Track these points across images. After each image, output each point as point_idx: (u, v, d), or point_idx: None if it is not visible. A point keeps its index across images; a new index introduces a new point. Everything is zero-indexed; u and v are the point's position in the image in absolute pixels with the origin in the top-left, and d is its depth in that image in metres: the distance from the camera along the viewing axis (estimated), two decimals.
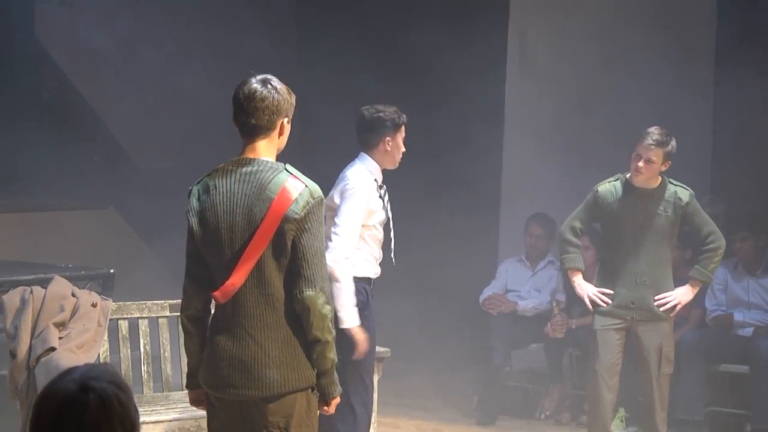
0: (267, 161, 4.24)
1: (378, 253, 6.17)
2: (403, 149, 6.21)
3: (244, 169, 4.22)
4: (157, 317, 6.54)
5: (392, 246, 6.28)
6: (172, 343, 6.55)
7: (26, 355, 5.98)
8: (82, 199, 9.91)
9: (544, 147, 9.52)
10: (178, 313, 6.43)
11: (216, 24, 10.75)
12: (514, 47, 9.67)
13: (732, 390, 8.08)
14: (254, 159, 4.24)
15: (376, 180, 6.12)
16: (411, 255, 9.95)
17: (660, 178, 6.86)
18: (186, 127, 10.26)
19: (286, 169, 4.22)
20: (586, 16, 9.55)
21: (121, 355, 6.40)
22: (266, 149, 4.27)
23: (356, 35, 10.62)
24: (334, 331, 4.25)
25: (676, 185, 6.86)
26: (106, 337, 6.29)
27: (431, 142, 10.40)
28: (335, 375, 4.31)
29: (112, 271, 6.87)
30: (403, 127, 6.18)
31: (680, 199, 6.80)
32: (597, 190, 6.95)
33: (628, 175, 6.86)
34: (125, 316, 6.45)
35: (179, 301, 6.52)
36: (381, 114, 6.13)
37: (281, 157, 4.37)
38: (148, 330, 6.50)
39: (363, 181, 6.02)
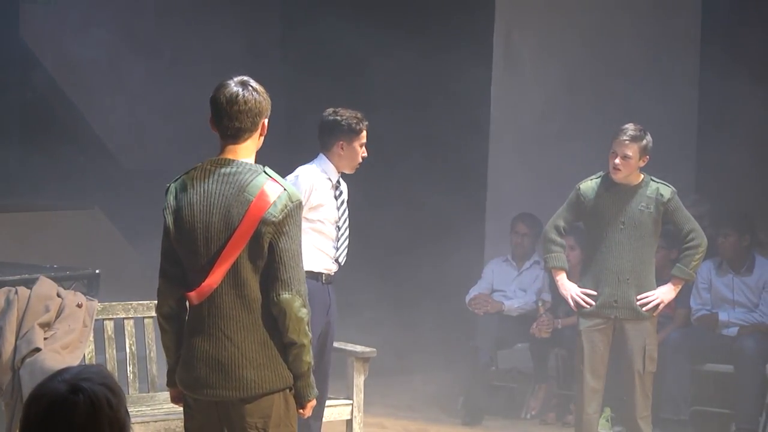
0: (246, 163, 4.26)
1: (329, 249, 6.29)
2: (363, 155, 6.32)
3: (222, 170, 4.23)
4: (143, 318, 6.53)
5: (340, 246, 6.32)
6: (157, 343, 6.51)
7: (11, 356, 5.96)
8: (67, 200, 9.88)
9: (530, 147, 9.53)
10: None
11: (200, 26, 10.73)
12: (499, 46, 9.68)
13: (717, 389, 8.10)
14: (233, 160, 4.25)
15: (330, 179, 6.31)
16: (397, 255, 9.97)
17: (641, 175, 6.88)
18: (171, 127, 10.24)
19: (265, 172, 4.24)
20: (571, 16, 9.56)
21: (107, 355, 6.39)
22: (247, 150, 4.29)
23: (339, 33, 10.61)
24: (310, 334, 4.27)
25: (657, 182, 6.88)
26: (91, 338, 6.28)
27: (415, 142, 10.40)
28: (311, 378, 4.33)
29: (97, 271, 6.85)
30: (362, 134, 6.29)
31: (662, 195, 6.83)
32: (579, 188, 6.98)
33: (609, 173, 6.89)
34: (111, 316, 6.44)
35: None
36: (338, 118, 6.31)
37: (264, 153, 4.38)
38: (133, 330, 6.50)
39: (307, 175, 6.24)
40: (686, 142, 9.52)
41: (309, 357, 4.27)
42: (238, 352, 4.20)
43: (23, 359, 5.94)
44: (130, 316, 6.50)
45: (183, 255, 4.28)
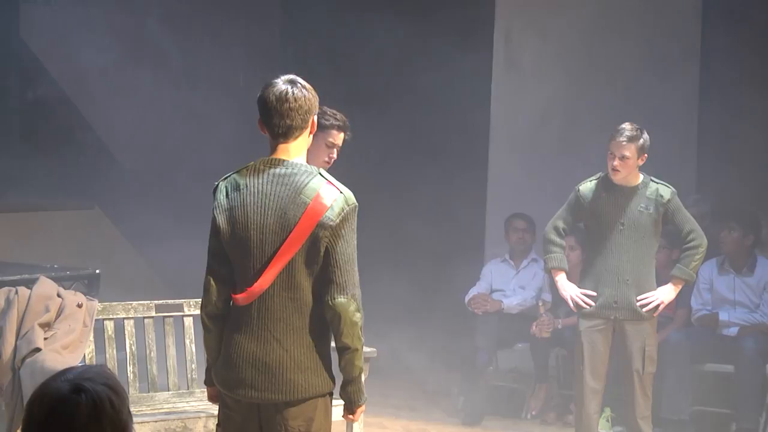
0: (300, 164, 4.21)
1: None
2: (331, 156, 5.94)
3: (276, 170, 4.19)
4: (143, 318, 6.52)
5: None
6: (157, 343, 6.54)
7: (11, 356, 5.96)
8: (68, 199, 9.88)
9: (530, 147, 9.53)
10: (164, 314, 6.49)
11: (201, 27, 10.73)
12: (499, 47, 9.68)
13: (717, 389, 8.10)
14: (287, 161, 4.20)
15: None
16: (397, 255, 9.97)
17: (641, 175, 6.88)
18: (172, 128, 10.24)
19: (321, 174, 4.20)
20: (571, 16, 9.56)
21: (107, 355, 6.39)
22: (298, 149, 4.25)
23: (340, 33, 10.61)
24: (363, 339, 4.25)
25: (657, 183, 6.89)
26: (91, 338, 6.28)
27: (415, 143, 10.40)
28: (362, 383, 4.33)
29: (97, 271, 6.84)
30: (330, 132, 5.92)
31: (661, 196, 6.83)
32: (578, 190, 6.98)
33: (608, 174, 6.89)
34: (111, 316, 6.44)
35: (165, 301, 6.58)
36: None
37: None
38: (133, 330, 6.49)
39: None
40: (687, 142, 9.52)
41: (361, 362, 4.27)
42: (286, 355, 4.17)
43: (23, 359, 5.94)
44: (130, 316, 6.49)
45: (234, 255, 4.23)
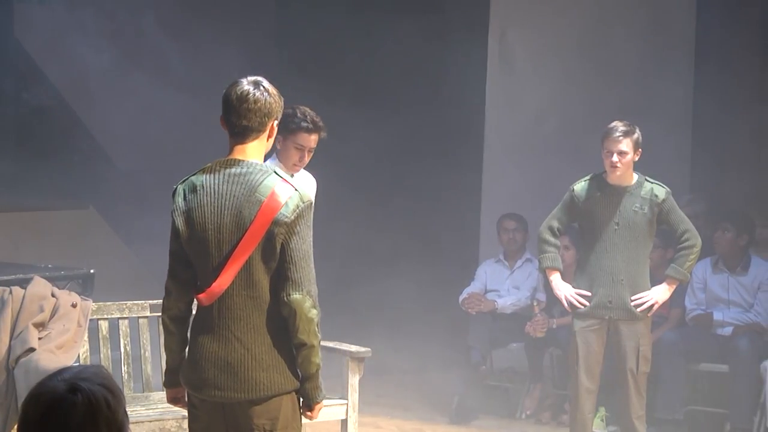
0: (256, 163, 4.24)
1: None
2: (301, 161, 5.81)
3: (232, 170, 4.21)
4: (138, 317, 6.52)
5: None
6: (152, 343, 6.53)
7: (5, 356, 5.96)
8: (62, 199, 9.87)
9: (525, 147, 9.54)
10: (159, 314, 6.45)
11: (196, 27, 10.72)
12: (494, 46, 9.68)
13: (711, 389, 8.11)
14: (243, 161, 4.23)
15: None
16: (391, 255, 9.96)
17: (635, 175, 6.89)
18: (166, 128, 10.24)
19: (276, 173, 4.22)
20: (565, 16, 9.57)
21: (101, 355, 6.38)
22: (255, 151, 4.27)
23: (335, 34, 10.61)
24: (320, 335, 4.25)
25: (652, 183, 6.89)
26: (86, 338, 6.27)
27: (410, 143, 10.40)
28: (320, 380, 4.31)
29: (92, 271, 6.84)
30: (299, 135, 5.77)
31: (656, 196, 6.83)
32: (573, 189, 6.98)
33: (603, 173, 6.90)
34: (105, 316, 6.43)
35: (160, 301, 6.53)
36: (288, 110, 5.75)
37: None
38: (128, 330, 6.49)
39: None
40: (682, 142, 9.53)
41: (318, 358, 4.26)
42: (248, 353, 4.18)
43: (17, 359, 5.94)
44: (124, 315, 6.49)
45: (194, 256, 4.25)
